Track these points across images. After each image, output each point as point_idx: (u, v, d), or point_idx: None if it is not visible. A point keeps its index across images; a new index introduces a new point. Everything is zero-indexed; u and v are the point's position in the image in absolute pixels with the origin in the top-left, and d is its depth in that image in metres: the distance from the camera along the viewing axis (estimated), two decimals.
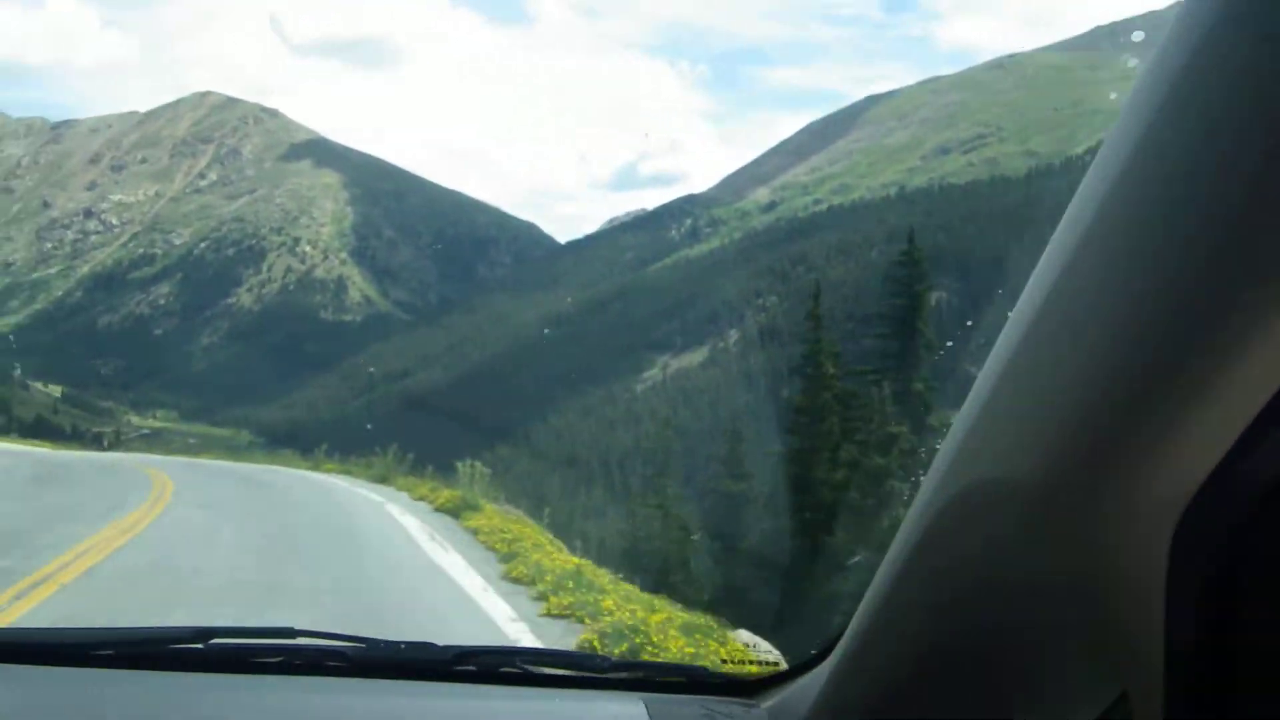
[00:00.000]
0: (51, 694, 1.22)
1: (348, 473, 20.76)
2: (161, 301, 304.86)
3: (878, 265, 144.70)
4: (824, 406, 23.10)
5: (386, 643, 1.44)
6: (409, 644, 1.34)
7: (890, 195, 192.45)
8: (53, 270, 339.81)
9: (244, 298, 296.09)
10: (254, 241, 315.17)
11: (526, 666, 1.34)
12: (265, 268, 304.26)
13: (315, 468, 22.76)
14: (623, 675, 1.27)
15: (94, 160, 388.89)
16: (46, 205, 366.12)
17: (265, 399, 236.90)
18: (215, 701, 1.20)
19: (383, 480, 18.05)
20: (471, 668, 1.30)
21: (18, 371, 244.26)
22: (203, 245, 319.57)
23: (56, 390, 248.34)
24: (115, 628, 1.42)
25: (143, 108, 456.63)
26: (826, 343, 24.69)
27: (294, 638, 1.40)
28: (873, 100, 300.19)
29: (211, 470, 21.05)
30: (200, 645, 1.30)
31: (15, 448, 29.06)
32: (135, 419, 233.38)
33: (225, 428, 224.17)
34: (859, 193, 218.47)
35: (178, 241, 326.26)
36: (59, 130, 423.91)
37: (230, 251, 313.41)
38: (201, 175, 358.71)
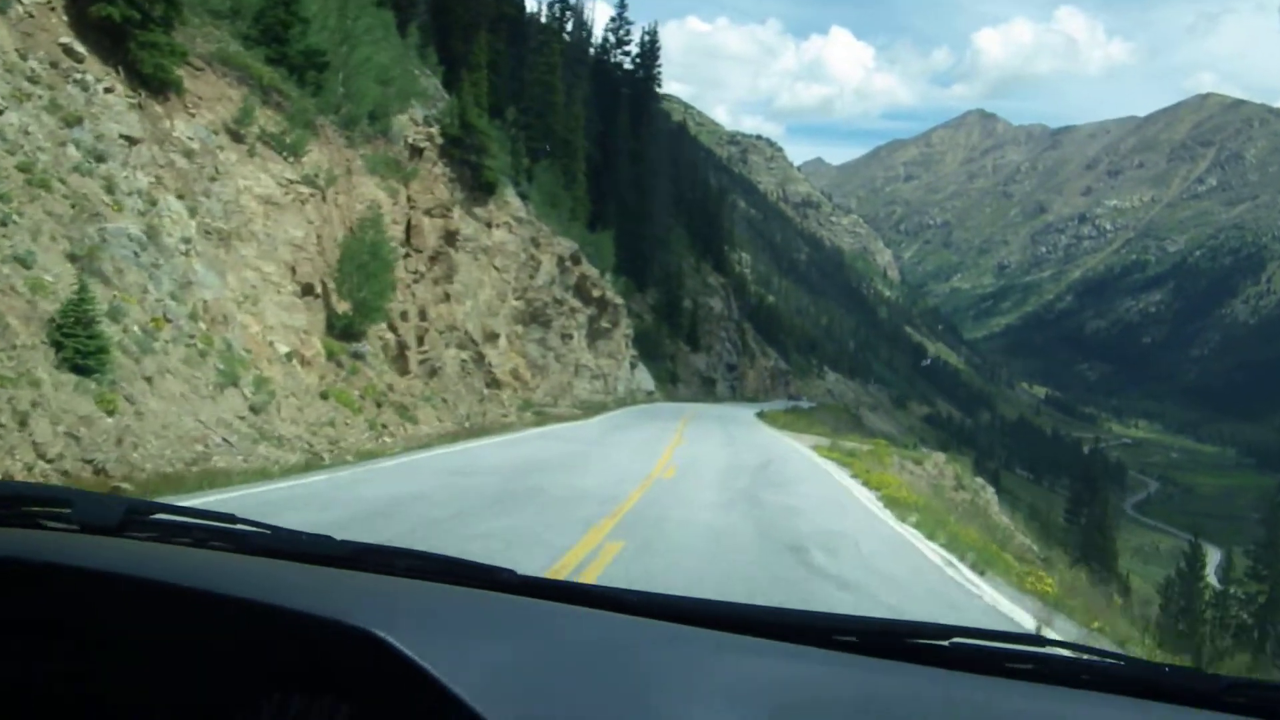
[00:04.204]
0: (834, 675, 1.25)
1: None
2: (1152, 309, 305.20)
3: None
4: None
5: (1146, 663, 1.38)
6: (1173, 668, 1.21)
7: None
8: (1044, 274, 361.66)
9: (1238, 309, 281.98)
10: (1253, 250, 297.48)
11: None
12: (1264, 278, 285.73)
13: None
14: None
15: (1090, 166, 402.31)
16: (1042, 210, 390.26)
17: (1255, 416, 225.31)
18: (965, 699, 1.19)
19: None
20: (1240, 700, 1.17)
21: (1005, 371, 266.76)
22: (1197, 253, 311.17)
23: (1040, 391, 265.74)
24: (859, 616, 1.40)
25: (1141, 112, 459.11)
26: None
27: (1043, 645, 1.38)
28: None
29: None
30: (945, 643, 1.32)
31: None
32: (1116, 427, 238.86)
33: (1209, 444, 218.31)
34: None
35: (1171, 249, 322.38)
36: (1058, 136, 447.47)
37: (1227, 260, 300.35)
38: (1199, 180, 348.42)
